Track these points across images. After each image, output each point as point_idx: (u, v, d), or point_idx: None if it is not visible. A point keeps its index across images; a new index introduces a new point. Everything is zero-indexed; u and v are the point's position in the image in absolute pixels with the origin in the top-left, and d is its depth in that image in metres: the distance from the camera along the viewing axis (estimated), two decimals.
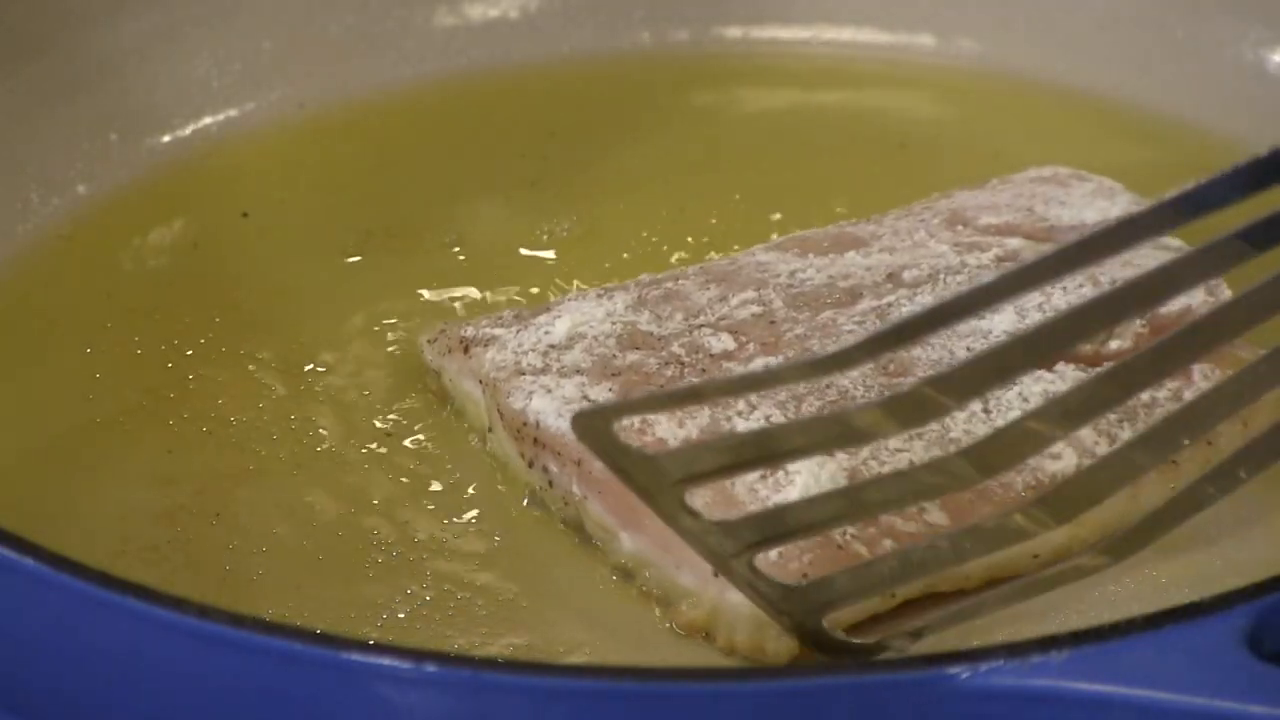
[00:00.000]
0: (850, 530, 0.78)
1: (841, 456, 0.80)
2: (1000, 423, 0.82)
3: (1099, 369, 0.81)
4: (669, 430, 0.81)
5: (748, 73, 1.15)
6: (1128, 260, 0.90)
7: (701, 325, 0.87)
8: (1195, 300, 0.88)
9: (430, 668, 0.66)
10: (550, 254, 1.00)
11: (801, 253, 0.92)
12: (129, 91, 1.08)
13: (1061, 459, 0.82)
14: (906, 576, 0.76)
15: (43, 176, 1.04)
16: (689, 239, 1.01)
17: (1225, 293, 0.89)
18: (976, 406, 0.82)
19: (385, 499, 0.86)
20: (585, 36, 1.08)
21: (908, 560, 0.76)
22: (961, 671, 0.66)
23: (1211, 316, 0.78)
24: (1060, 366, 0.85)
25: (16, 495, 0.85)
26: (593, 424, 0.70)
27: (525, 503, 0.86)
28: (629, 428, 0.82)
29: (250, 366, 0.93)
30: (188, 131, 1.09)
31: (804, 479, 0.79)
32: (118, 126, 1.07)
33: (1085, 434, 0.82)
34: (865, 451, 0.80)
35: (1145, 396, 0.84)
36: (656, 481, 0.72)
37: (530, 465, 0.85)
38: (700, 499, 0.79)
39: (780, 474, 0.79)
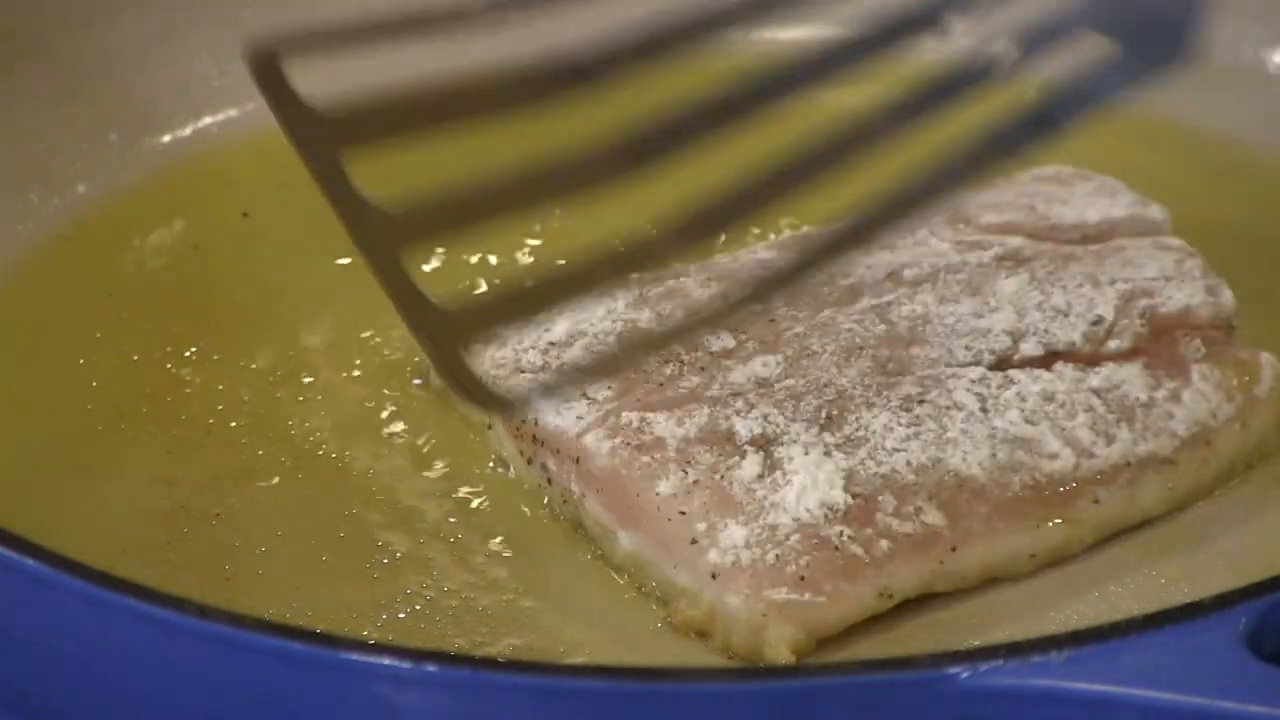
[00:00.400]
0: (847, 532, 0.78)
1: (839, 456, 0.80)
2: (999, 423, 0.82)
3: None
4: (667, 429, 0.81)
5: (748, 73, 1.14)
6: (1128, 260, 0.90)
7: (702, 323, 0.87)
8: (1195, 300, 0.88)
9: (430, 668, 0.66)
10: (552, 254, 1.00)
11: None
12: (129, 91, 1.08)
13: (1059, 459, 0.82)
14: (538, 305, 0.74)
15: (43, 176, 1.04)
16: None
17: (1226, 293, 0.89)
18: (975, 406, 0.83)
19: (385, 498, 0.86)
20: (585, 36, 1.08)
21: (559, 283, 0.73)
22: (961, 671, 0.66)
23: None
24: (1059, 366, 0.85)
25: (16, 495, 0.85)
26: (264, 59, 0.68)
27: (524, 501, 0.86)
28: (627, 424, 0.82)
29: (250, 367, 0.93)
30: (188, 131, 1.09)
31: (801, 478, 0.79)
32: (118, 126, 1.07)
33: (1083, 434, 0.82)
34: (862, 451, 0.81)
35: (1144, 395, 0.84)
36: (316, 139, 0.69)
37: (529, 463, 0.85)
38: (697, 499, 0.79)
39: (778, 474, 0.80)
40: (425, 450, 0.88)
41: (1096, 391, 0.84)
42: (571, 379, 0.84)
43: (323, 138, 0.70)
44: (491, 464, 0.87)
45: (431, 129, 0.72)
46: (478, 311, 0.73)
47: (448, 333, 0.72)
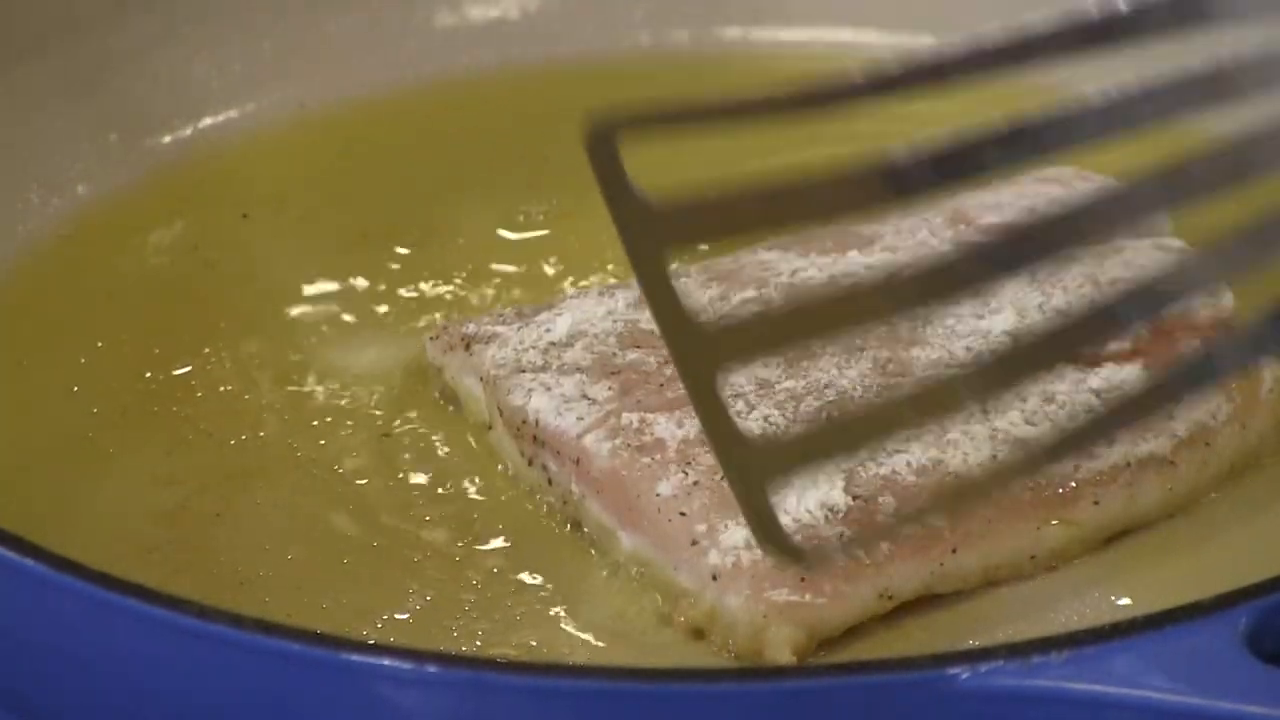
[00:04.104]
0: (847, 533, 0.78)
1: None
2: (999, 424, 0.82)
3: None
4: (668, 430, 0.81)
5: (748, 73, 1.15)
6: (1129, 261, 0.90)
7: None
8: (1195, 301, 0.88)
9: (430, 668, 0.66)
10: (552, 254, 1.00)
11: (803, 252, 0.92)
12: (129, 91, 1.08)
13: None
14: (854, 445, 0.72)
15: (43, 176, 1.04)
16: None
17: (1227, 296, 0.89)
18: (975, 407, 0.82)
19: (385, 498, 0.86)
20: (585, 36, 1.08)
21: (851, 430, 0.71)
22: (961, 671, 0.66)
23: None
24: (1059, 366, 0.85)
25: (16, 495, 0.85)
26: (601, 137, 0.65)
27: (525, 501, 0.86)
28: (628, 425, 0.82)
29: (250, 366, 0.93)
30: (188, 131, 1.09)
31: (801, 479, 0.79)
32: (118, 126, 1.07)
33: None
34: (862, 452, 0.80)
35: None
36: (645, 233, 0.66)
37: (530, 463, 0.85)
38: (697, 500, 0.79)
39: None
40: (425, 450, 0.88)
41: (1096, 392, 0.84)
42: None
43: (649, 232, 0.67)
44: (492, 463, 0.87)
45: (755, 232, 0.70)
46: (787, 445, 0.72)
47: (754, 467, 0.70)
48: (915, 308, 0.70)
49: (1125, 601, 0.80)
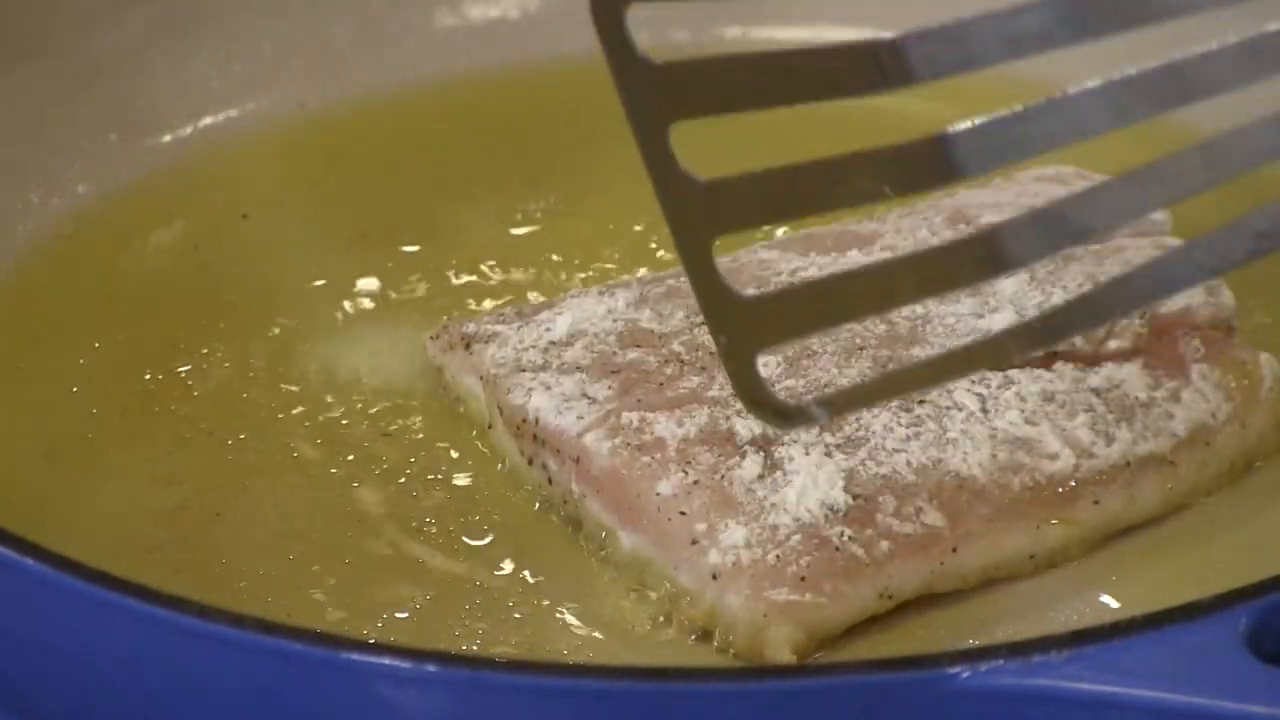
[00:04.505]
0: (847, 532, 0.78)
1: (839, 456, 0.80)
2: (999, 423, 0.82)
3: None
4: (668, 429, 0.81)
5: None
6: (1129, 261, 0.90)
7: (702, 323, 0.87)
8: (1195, 300, 0.88)
9: (430, 668, 0.67)
10: (552, 254, 1.00)
11: (803, 251, 0.92)
12: (129, 91, 1.08)
13: (1059, 459, 0.82)
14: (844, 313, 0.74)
15: (43, 176, 1.04)
16: None
17: (1225, 293, 0.89)
18: (975, 407, 0.83)
19: (385, 498, 0.86)
20: (585, 36, 1.08)
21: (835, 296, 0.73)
22: (961, 671, 0.66)
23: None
24: (1059, 366, 0.85)
25: (16, 495, 0.86)
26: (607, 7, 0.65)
27: (525, 501, 0.86)
28: (628, 424, 0.82)
29: (250, 366, 0.93)
30: (188, 131, 1.09)
31: (802, 479, 0.79)
32: (118, 126, 1.07)
33: (1083, 434, 0.82)
34: (863, 452, 0.80)
35: (1143, 395, 0.84)
36: (649, 104, 0.67)
37: (530, 462, 0.85)
38: (697, 500, 0.79)
39: (778, 474, 0.80)
40: (425, 450, 0.88)
41: (1096, 391, 0.84)
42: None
43: (653, 98, 0.67)
44: (492, 463, 0.87)
45: (764, 105, 0.70)
46: (779, 307, 0.72)
47: (745, 329, 0.71)
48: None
49: (1125, 601, 0.80)
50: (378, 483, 0.87)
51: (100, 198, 1.04)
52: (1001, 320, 0.86)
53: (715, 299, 0.71)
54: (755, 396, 0.73)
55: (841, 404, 0.77)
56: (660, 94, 0.68)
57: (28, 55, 1.05)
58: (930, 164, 0.71)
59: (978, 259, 0.73)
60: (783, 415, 0.75)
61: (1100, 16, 0.71)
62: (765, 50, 0.71)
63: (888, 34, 0.70)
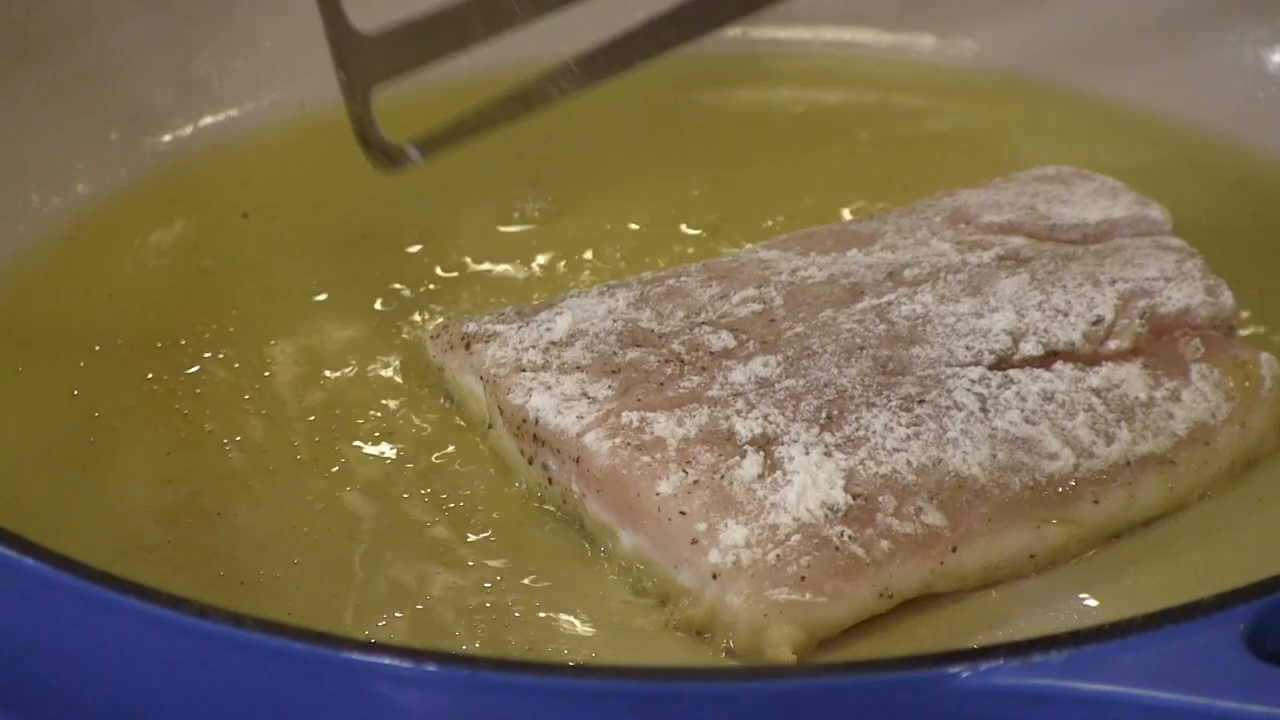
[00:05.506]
0: (847, 532, 0.78)
1: (840, 456, 0.80)
2: (999, 423, 0.82)
3: None
4: (668, 429, 0.81)
5: (748, 73, 1.15)
6: (1129, 260, 0.90)
7: (702, 323, 0.87)
8: (1195, 300, 0.88)
9: (430, 668, 0.67)
10: (551, 253, 1.00)
11: (804, 250, 0.92)
12: (129, 91, 1.08)
13: (1059, 459, 0.82)
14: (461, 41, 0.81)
15: (43, 176, 1.04)
16: (690, 238, 1.01)
17: (1226, 293, 0.89)
18: (975, 406, 0.83)
19: (385, 497, 0.86)
20: (585, 36, 1.08)
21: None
22: (961, 671, 0.66)
23: None
24: (1059, 366, 0.85)
25: (16, 495, 0.86)
26: None
27: (525, 500, 0.86)
28: (628, 424, 0.82)
29: (250, 366, 0.93)
30: (188, 131, 1.09)
31: (802, 478, 0.79)
32: (118, 126, 1.07)
33: (1083, 434, 0.82)
34: (863, 451, 0.81)
35: (1143, 395, 0.84)
36: None
37: (530, 462, 0.85)
38: (697, 499, 0.79)
39: (778, 474, 0.80)
40: (425, 449, 0.88)
41: (1096, 391, 0.84)
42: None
43: None
44: (492, 462, 0.87)
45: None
46: (395, 41, 0.79)
47: (363, 63, 0.78)
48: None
49: (1125, 601, 0.80)
50: (377, 483, 0.87)
51: (100, 198, 1.04)
52: (1001, 320, 0.86)
53: (339, 36, 0.78)
54: (365, 133, 0.79)
55: (433, 142, 0.87)
56: None
57: (28, 55, 1.05)
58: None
59: None
60: (389, 155, 0.85)
61: None
62: None
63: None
